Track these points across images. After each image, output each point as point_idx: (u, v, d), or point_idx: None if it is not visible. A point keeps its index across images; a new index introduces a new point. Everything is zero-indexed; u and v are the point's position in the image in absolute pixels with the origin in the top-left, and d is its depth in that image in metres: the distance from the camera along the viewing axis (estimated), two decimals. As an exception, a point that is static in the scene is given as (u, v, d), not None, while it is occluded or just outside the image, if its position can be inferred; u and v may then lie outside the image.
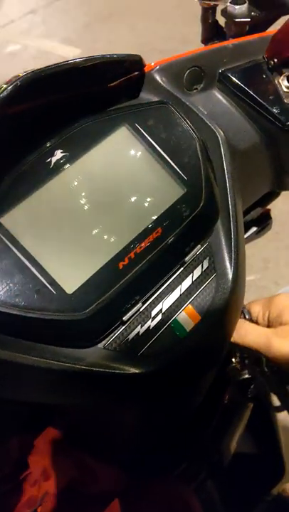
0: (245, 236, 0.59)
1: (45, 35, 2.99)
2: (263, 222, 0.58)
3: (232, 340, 0.44)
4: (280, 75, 0.45)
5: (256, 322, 0.48)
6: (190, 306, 0.38)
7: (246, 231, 0.58)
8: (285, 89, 0.45)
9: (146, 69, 0.43)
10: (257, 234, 0.60)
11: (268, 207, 0.59)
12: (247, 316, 0.50)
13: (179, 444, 0.62)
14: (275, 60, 0.45)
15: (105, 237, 0.36)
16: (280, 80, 0.45)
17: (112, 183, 0.38)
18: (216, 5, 0.50)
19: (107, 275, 0.35)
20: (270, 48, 0.45)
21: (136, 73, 0.42)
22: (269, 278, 1.75)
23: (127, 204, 0.37)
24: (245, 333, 0.45)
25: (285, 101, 0.45)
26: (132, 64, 0.40)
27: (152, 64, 0.44)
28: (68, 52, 3.11)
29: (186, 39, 2.45)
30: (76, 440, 0.58)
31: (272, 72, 0.46)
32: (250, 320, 0.49)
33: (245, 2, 0.48)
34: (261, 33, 0.48)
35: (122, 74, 0.41)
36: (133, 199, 0.38)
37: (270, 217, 0.59)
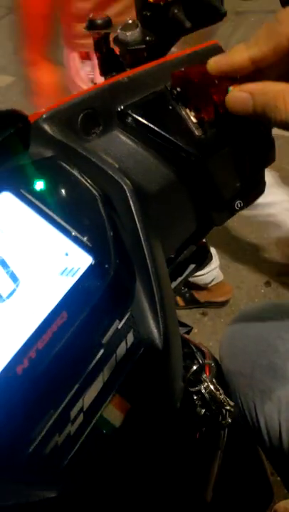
0: (184, 275, 0.54)
1: (-25, 67, 2.90)
2: (200, 256, 0.53)
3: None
4: (186, 106, 0.40)
5: None
6: (117, 395, 0.32)
7: (184, 271, 0.53)
8: (195, 120, 0.40)
9: (32, 118, 0.37)
10: (196, 269, 0.55)
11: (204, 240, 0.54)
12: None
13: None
14: (178, 89, 0.40)
15: (-5, 338, 0.29)
16: (188, 111, 0.40)
17: None
18: (108, 33, 0.45)
19: (0, 388, 0.28)
20: (173, 82, 0.40)
21: (18, 126, 0.36)
22: (231, 283, 1.72)
23: (21, 289, 0.31)
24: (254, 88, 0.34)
25: (196, 133, 0.40)
26: (8, 118, 0.34)
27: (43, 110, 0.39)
28: (1, 80, 3.02)
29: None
30: None
31: (177, 102, 0.41)
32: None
33: (137, 27, 0.43)
34: (161, 59, 0.43)
35: (1, 130, 0.34)
36: (27, 281, 0.31)
37: (208, 250, 0.54)
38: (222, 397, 0.57)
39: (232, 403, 0.57)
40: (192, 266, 0.54)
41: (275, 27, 0.32)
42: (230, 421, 0.54)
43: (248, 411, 0.63)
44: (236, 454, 0.68)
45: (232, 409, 0.58)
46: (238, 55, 0.34)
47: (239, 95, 0.35)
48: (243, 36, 2.69)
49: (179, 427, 0.48)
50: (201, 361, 0.57)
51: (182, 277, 0.53)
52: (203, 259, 0.55)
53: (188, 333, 0.76)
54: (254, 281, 1.73)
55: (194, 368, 0.56)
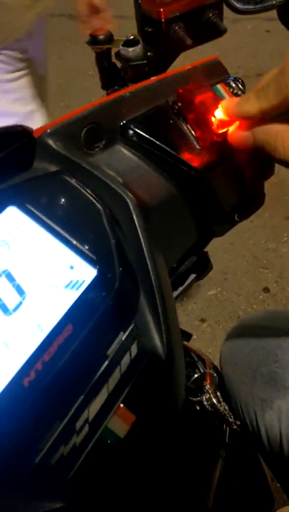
0: (185, 284, 0.55)
1: None
2: (201, 267, 0.54)
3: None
4: (187, 122, 0.41)
5: None
6: (121, 405, 0.33)
7: (184, 280, 0.54)
8: (195, 134, 0.41)
9: (36, 133, 0.38)
10: (198, 279, 0.56)
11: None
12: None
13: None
14: (180, 104, 0.41)
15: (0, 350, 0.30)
16: (189, 126, 0.41)
17: (3, 279, 0.32)
18: (109, 48, 0.46)
19: (8, 400, 0.29)
20: (177, 98, 0.41)
21: (23, 141, 0.36)
22: (229, 290, 1.72)
23: (27, 302, 0.32)
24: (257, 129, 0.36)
25: (197, 147, 0.41)
26: (14, 134, 0.35)
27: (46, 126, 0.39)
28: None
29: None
30: None
31: (178, 117, 0.42)
32: None
33: (138, 42, 0.44)
34: (162, 75, 0.44)
35: (6, 145, 0.35)
36: (33, 294, 0.32)
37: (209, 260, 0.55)
38: (222, 409, 0.57)
39: (238, 422, 0.57)
40: (193, 276, 0.54)
41: (283, 80, 0.32)
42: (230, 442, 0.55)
43: (249, 419, 0.63)
44: (237, 461, 0.68)
45: (238, 429, 0.58)
46: (248, 105, 0.35)
47: (241, 133, 0.37)
48: (241, 44, 2.72)
49: (180, 436, 0.49)
50: (202, 370, 0.58)
51: (183, 287, 0.54)
52: (204, 269, 0.55)
53: (188, 340, 0.77)
54: (253, 288, 1.74)
55: (195, 375, 0.56)
